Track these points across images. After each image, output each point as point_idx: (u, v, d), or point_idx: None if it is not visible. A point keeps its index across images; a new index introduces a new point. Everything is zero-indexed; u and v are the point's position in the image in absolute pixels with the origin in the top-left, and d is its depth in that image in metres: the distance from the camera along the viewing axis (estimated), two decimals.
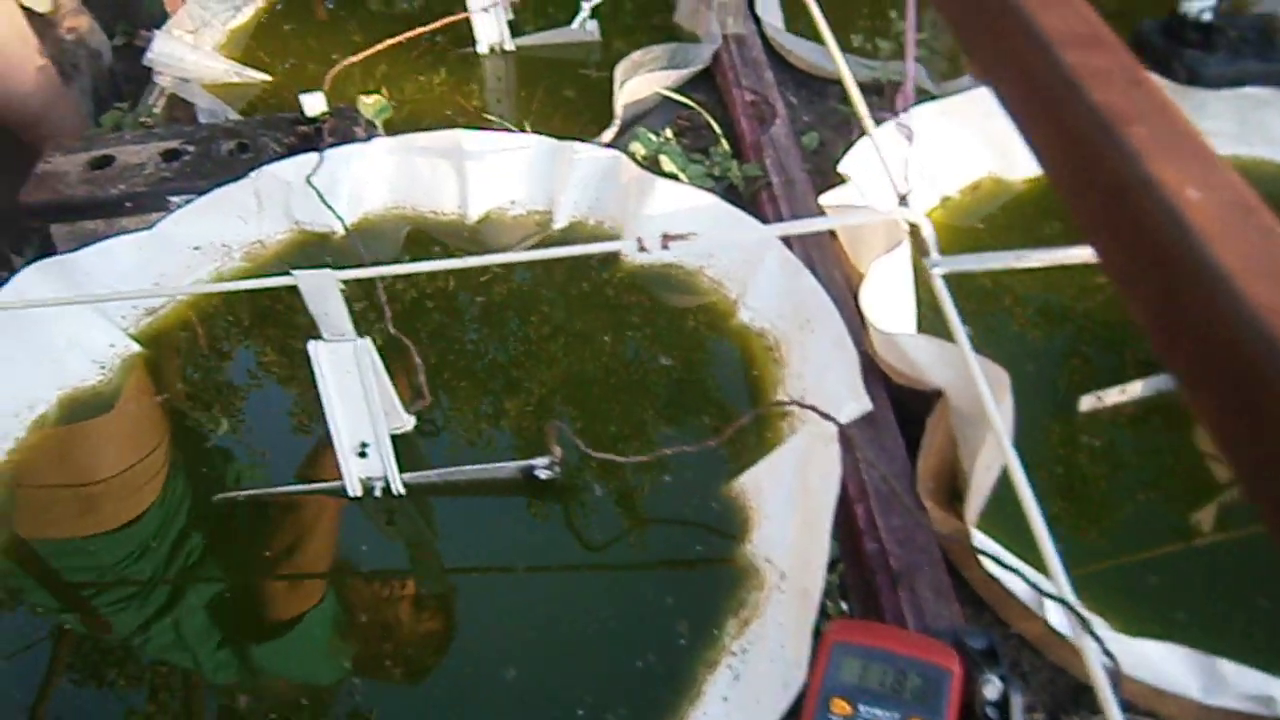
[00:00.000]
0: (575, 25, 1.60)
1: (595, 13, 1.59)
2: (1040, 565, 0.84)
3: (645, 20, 1.72)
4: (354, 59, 1.34)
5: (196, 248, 1.24)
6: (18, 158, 1.98)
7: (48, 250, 1.95)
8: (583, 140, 1.30)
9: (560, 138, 1.27)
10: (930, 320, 1.07)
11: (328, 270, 0.85)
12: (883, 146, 1.06)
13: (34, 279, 1.11)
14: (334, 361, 0.91)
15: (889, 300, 1.02)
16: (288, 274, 0.85)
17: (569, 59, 1.62)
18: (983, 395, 0.73)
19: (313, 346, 0.90)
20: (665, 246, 0.84)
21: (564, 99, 1.54)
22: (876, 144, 1.03)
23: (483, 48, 1.63)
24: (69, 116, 1.88)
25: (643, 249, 0.84)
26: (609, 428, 1.03)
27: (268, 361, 1.16)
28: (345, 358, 0.91)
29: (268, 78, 1.61)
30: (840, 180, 1.17)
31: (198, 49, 1.59)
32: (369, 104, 1.31)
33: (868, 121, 1.08)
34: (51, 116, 1.84)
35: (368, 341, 0.90)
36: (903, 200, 0.88)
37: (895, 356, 0.97)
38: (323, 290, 0.87)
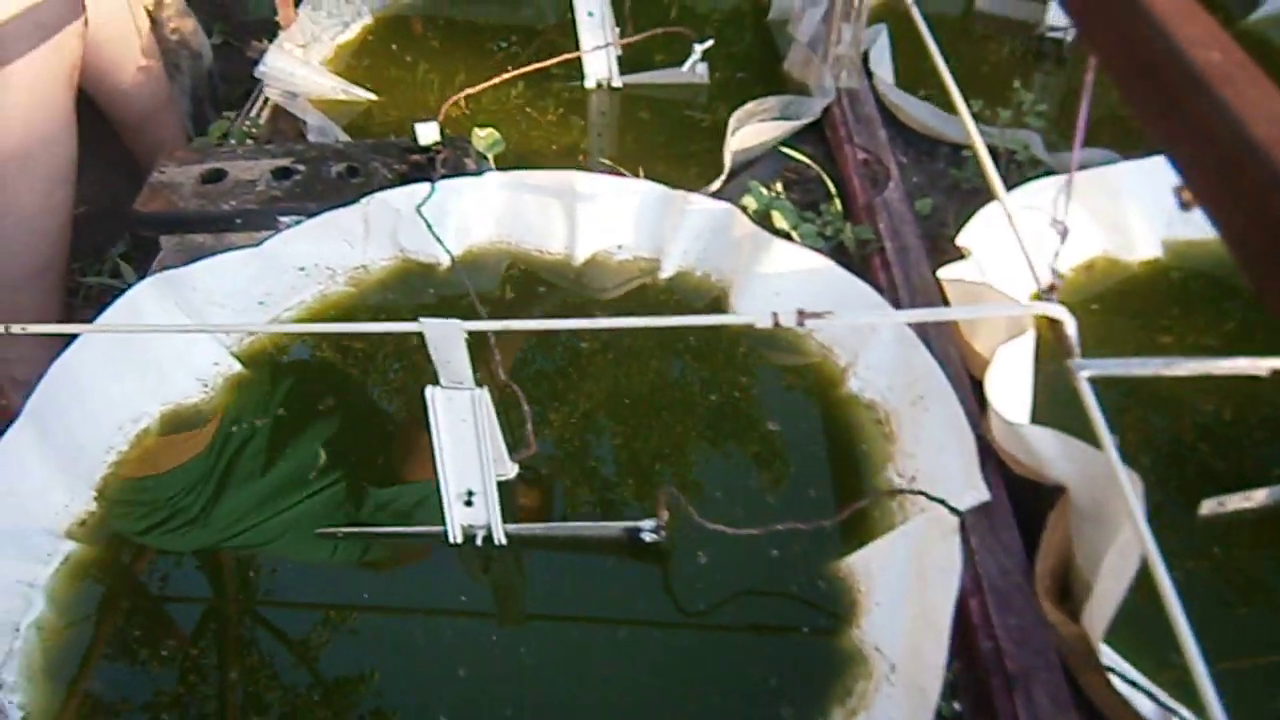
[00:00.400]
0: (685, 68, 1.59)
1: (704, 55, 1.58)
2: (1161, 678, 0.81)
3: (753, 65, 1.71)
4: (469, 92, 1.34)
5: (301, 268, 1.24)
6: (104, 148, 2.01)
7: (140, 244, 1.98)
8: (691, 188, 1.29)
9: (667, 183, 1.26)
10: (1044, 408, 1.04)
11: (455, 321, 0.84)
12: (1007, 221, 1.04)
13: (148, 293, 1.11)
14: (450, 409, 0.90)
15: (1011, 387, 0.99)
16: (416, 321, 0.85)
17: (675, 99, 1.62)
18: (1130, 508, 0.71)
19: (430, 392, 0.90)
20: (800, 324, 0.83)
21: (669, 140, 1.53)
22: (1010, 218, 1.02)
23: (590, 83, 1.62)
24: (172, 117, 1.90)
25: (777, 324, 0.83)
26: (713, 492, 1.01)
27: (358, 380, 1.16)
28: (462, 406, 0.90)
29: (374, 96, 1.61)
30: (958, 253, 1.15)
31: (308, 64, 1.59)
32: (482, 136, 1.31)
33: (1001, 193, 1.06)
34: (156, 117, 1.86)
35: (485, 393, 0.89)
36: (1047, 294, 0.85)
37: (1018, 447, 0.94)
38: (448, 340, 0.86)
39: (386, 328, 0.87)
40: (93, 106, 1.85)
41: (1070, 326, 0.82)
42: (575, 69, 1.61)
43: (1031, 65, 1.70)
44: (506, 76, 1.42)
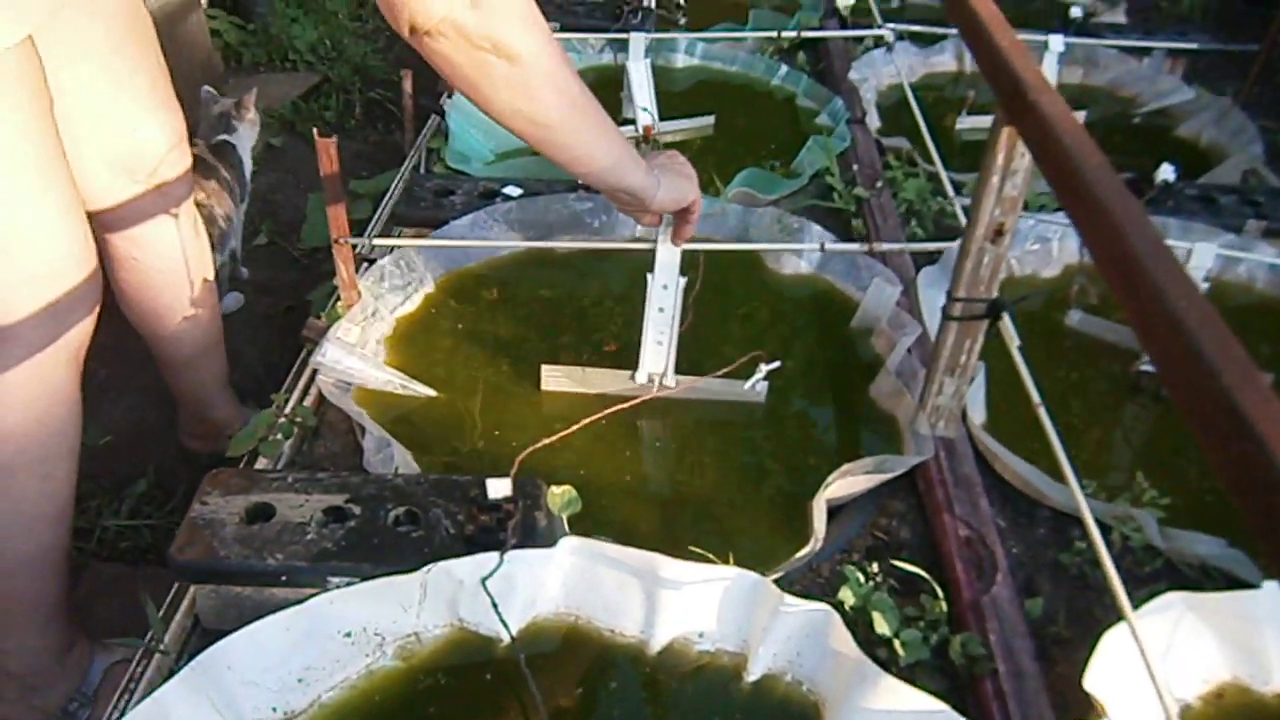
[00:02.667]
0: (746, 386, 1.48)
1: (768, 375, 1.48)
2: None
3: (826, 379, 1.62)
4: (546, 442, 1.24)
5: (348, 634, 1.12)
6: (136, 375, 1.91)
7: (164, 482, 1.86)
8: (768, 554, 1.19)
9: (739, 536, 1.16)
10: None
11: None
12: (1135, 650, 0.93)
13: (178, 693, 0.99)
14: None
15: None
16: None
17: (728, 405, 1.52)
18: None
19: None
20: None
21: (730, 459, 1.44)
22: (1146, 659, 0.91)
23: (641, 376, 1.51)
24: (216, 360, 1.82)
25: None
26: None
27: None
28: None
29: (433, 393, 1.52)
30: (1076, 672, 1.04)
31: (364, 357, 1.50)
32: (556, 494, 1.20)
33: (1129, 613, 0.96)
34: (200, 360, 1.78)
35: None
36: None
37: None
38: None
39: None
40: (125, 333, 1.77)
41: None
42: (631, 360, 1.52)
43: (1125, 398, 1.61)
44: (587, 421, 1.32)
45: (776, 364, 1.48)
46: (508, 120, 1.12)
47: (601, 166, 1.22)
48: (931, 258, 1.80)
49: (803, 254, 1.78)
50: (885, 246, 1.56)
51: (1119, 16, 3.01)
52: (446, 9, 0.99)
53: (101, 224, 1.55)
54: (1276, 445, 0.62)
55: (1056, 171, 0.96)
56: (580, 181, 1.48)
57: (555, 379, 1.54)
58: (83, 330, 1.31)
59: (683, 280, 1.46)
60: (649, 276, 1.46)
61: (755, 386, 1.50)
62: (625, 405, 1.44)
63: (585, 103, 1.15)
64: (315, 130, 1.37)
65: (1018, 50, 1.14)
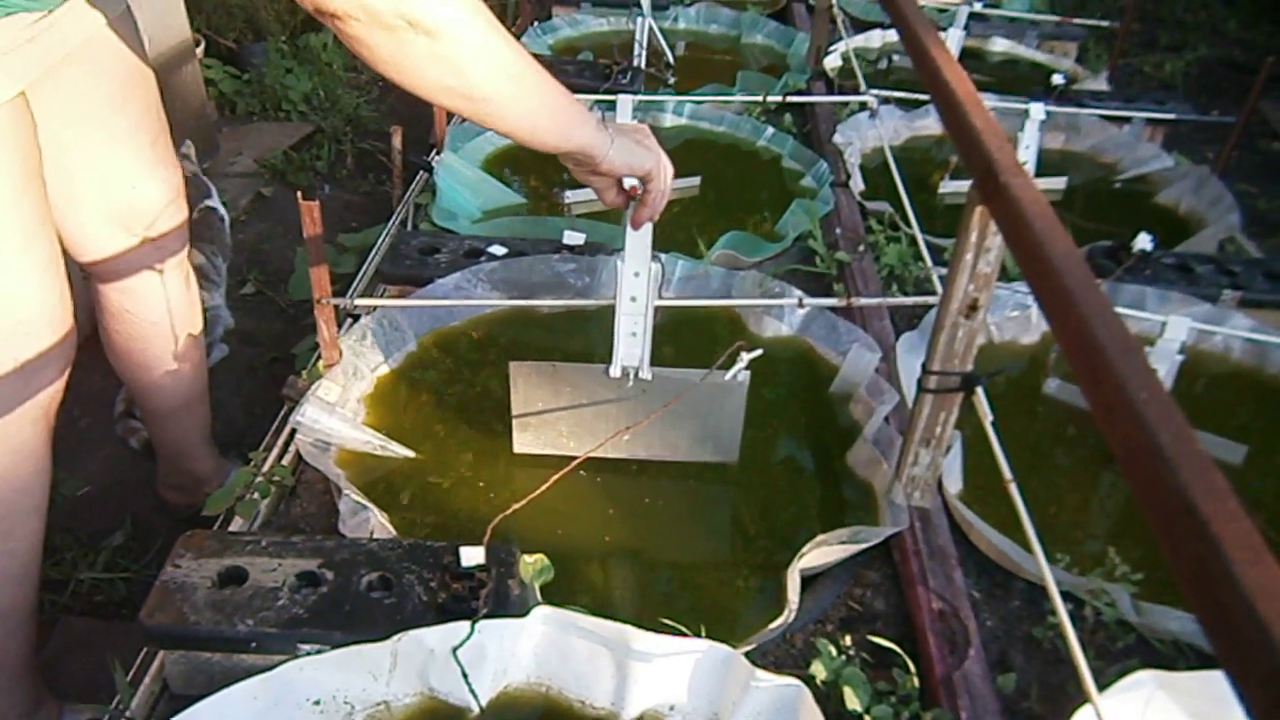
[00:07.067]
0: (729, 375, 1.42)
1: (750, 365, 1.42)
2: None
3: (806, 439, 1.62)
4: (517, 506, 1.24)
5: (317, 702, 1.12)
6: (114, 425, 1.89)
7: (141, 534, 1.84)
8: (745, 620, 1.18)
9: (715, 603, 1.15)
10: None
11: None
12: None
13: None
14: None
15: None
16: None
17: (704, 466, 1.53)
18: None
19: None
20: None
21: (705, 523, 1.45)
22: None
23: (615, 370, 1.45)
24: (200, 411, 1.82)
25: None
26: None
27: None
28: None
29: (411, 454, 1.52)
30: None
31: (344, 417, 1.50)
32: (529, 563, 1.20)
33: (1094, 695, 0.96)
34: (185, 410, 1.78)
35: None
36: None
37: None
38: None
39: None
40: (109, 383, 1.77)
41: None
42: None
43: (1101, 467, 1.62)
44: (564, 473, 1.31)
45: (759, 352, 1.42)
46: (440, 98, 1.04)
47: (547, 133, 1.14)
48: (912, 323, 1.82)
49: (783, 317, 1.79)
50: (863, 301, 1.57)
51: (1100, 84, 3.06)
52: None
53: (96, 275, 1.55)
54: (1230, 547, 0.63)
55: (1025, 255, 0.98)
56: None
57: (524, 375, 1.48)
58: (53, 390, 1.31)
59: (656, 266, 1.39)
60: (618, 264, 1.39)
61: (738, 377, 1.44)
62: (599, 445, 1.43)
63: (522, 69, 1.06)
64: (299, 193, 1.37)
65: (992, 131, 1.16)
